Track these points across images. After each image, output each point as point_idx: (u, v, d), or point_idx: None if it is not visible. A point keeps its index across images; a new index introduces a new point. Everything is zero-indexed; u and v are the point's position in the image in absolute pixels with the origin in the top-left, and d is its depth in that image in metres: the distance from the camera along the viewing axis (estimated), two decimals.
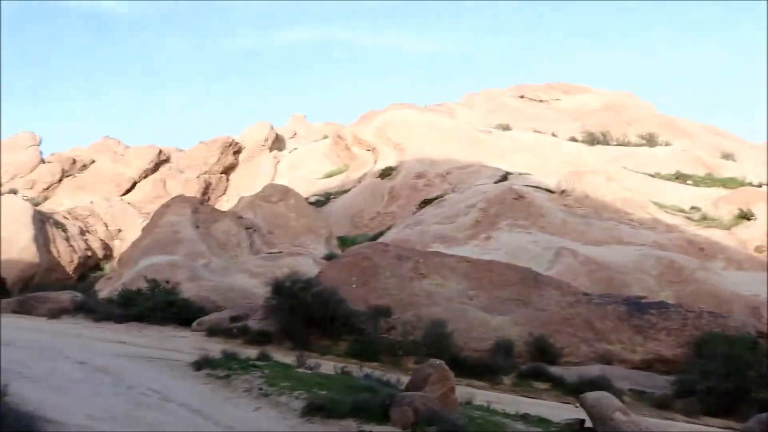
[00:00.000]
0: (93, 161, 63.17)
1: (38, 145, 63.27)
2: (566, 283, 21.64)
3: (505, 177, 45.18)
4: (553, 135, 60.14)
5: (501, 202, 35.77)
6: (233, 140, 64.61)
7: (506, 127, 62.09)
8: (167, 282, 22.32)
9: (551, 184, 40.57)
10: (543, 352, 17.87)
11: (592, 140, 59.01)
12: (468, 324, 18.24)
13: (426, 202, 43.01)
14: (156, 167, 61.02)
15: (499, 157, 50.88)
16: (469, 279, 20.57)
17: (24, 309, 21.03)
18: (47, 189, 58.78)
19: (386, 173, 50.45)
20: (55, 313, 20.12)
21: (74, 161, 62.59)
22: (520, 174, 46.05)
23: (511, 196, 36.32)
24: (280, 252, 32.37)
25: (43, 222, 40.14)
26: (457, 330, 17.24)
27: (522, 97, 79.99)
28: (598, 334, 18.90)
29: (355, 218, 46.50)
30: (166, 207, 34.56)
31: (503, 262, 23.39)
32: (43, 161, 61.77)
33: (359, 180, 52.68)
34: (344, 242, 38.02)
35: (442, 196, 42.76)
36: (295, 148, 70.51)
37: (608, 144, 58.76)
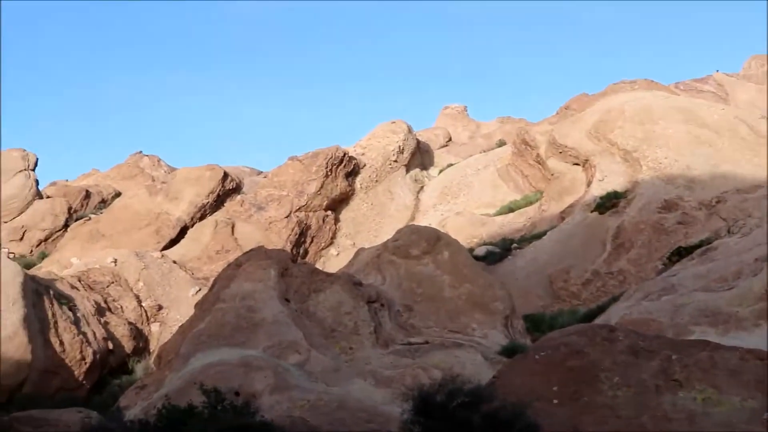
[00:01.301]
0: (117, 193, 66.40)
1: (32, 170, 66.75)
2: None
3: None
4: None
5: None
6: (346, 153, 66.01)
7: None
8: (237, 394, 22.43)
9: None
10: None
11: None
12: None
13: (681, 253, 41.76)
14: (219, 201, 63.02)
15: None
16: (765, 391, 19.44)
17: None
18: (46, 240, 62.07)
19: (609, 203, 50.20)
20: None
21: (87, 194, 66.00)
22: None
23: None
24: (427, 342, 32.31)
25: (39, 295, 41.54)
26: None
27: None
28: None
29: (555, 283, 46.64)
30: (235, 267, 35.01)
31: None
32: (39, 195, 65.17)
33: (561, 216, 52.83)
34: (537, 324, 37.79)
35: (710, 242, 41.63)
36: (450, 165, 71.40)
37: None
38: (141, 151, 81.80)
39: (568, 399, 19.09)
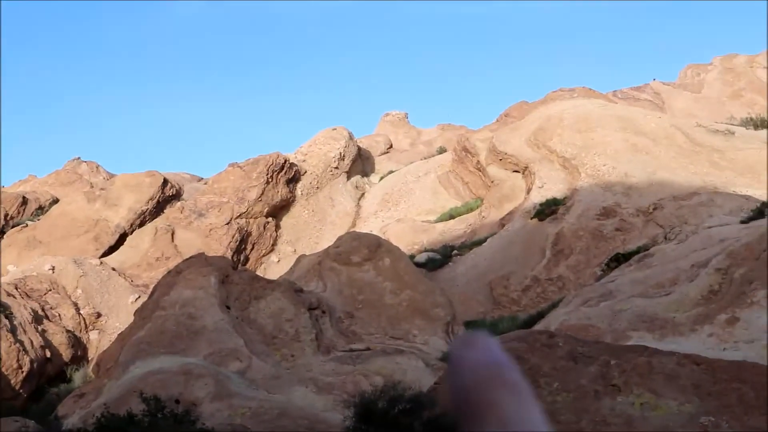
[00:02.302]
0: (55, 200, 65.81)
1: None
2: None
3: (761, 212, 43.81)
4: None
5: (756, 257, 34.26)
6: (286, 160, 66.07)
7: (761, 123, 60.89)
8: (177, 402, 22.39)
9: None
10: None
11: None
12: None
13: (619, 259, 42.21)
14: (159, 208, 63.08)
15: (750, 177, 50.28)
16: (701, 395, 19.62)
17: None
18: None
19: (549, 210, 50.15)
20: None
21: (24, 201, 65.37)
22: None
23: None
24: (368, 349, 32.54)
25: None
26: None
27: None
28: None
29: (495, 289, 46.43)
30: (175, 274, 35.06)
31: (763, 365, 21.92)
32: None
33: (501, 223, 52.69)
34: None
35: (647, 248, 41.74)
36: (391, 172, 71.73)
37: None
38: (79, 157, 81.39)
39: None
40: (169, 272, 36.88)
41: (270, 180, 63.76)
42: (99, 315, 49.88)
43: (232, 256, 56.49)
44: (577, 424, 18.72)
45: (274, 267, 59.46)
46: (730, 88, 79.10)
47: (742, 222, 42.64)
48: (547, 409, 18.82)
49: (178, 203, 63.70)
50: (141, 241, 59.39)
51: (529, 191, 53.96)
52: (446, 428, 17.26)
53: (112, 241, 59.60)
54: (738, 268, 33.79)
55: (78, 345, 46.91)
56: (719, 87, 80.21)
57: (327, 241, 51.57)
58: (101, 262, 55.56)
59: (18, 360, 41.38)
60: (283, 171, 65.15)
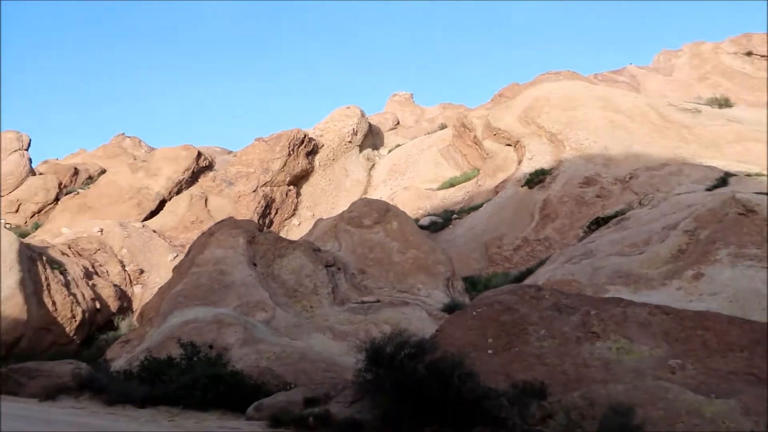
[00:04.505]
0: (103, 171, 65.77)
1: (26, 150, 66.09)
2: None
3: (723, 180, 44.01)
4: None
5: (718, 221, 34.17)
6: (306, 135, 65.86)
7: (724, 102, 60.99)
8: (211, 347, 22.34)
9: None
10: None
11: None
12: (669, 411, 16.96)
13: (599, 222, 42.00)
14: (194, 177, 62.96)
15: (714, 150, 49.94)
16: (669, 341, 19.38)
17: (7, 387, 21.23)
18: (39, 212, 61.43)
19: (537, 179, 50.08)
20: (51, 393, 20.27)
21: (76, 171, 65.36)
22: (748, 176, 44.77)
23: (734, 210, 34.44)
24: (378, 301, 32.43)
25: (33, 261, 41.33)
26: (652, 420, 16.21)
27: (750, 54, 78.06)
28: None
29: (490, 249, 46.25)
30: (208, 236, 34.98)
31: (724, 315, 21.59)
32: (32, 172, 64.50)
33: (495, 190, 52.57)
34: (474, 285, 37.49)
35: (623, 213, 41.47)
36: (398, 145, 71.64)
37: None
38: (123, 133, 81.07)
39: (501, 349, 18.93)
40: (202, 234, 36.82)
41: (291, 153, 63.67)
42: (142, 271, 50.04)
43: (258, 220, 56.61)
44: (561, 366, 18.47)
45: (295, 229, 59.63)
46: (698, 72, 78.45)
47: (707, 190, 42.60)
48: (534, 353, 18.84)
49: (211, 173, 63.70)
50: (178, 206, 59.43)
51: (520, 162, 53.71)
52: (446, 370, 16.82)
53: (152, 206, 59.68)
54: (703, 230, 34.07)
55: (124, 298, 46.93)
56: (688, 71, 79.56)
57: (342, 206, 51.06)
58: (143, 225, 55.73)
59: (72, 311, 41.56)
60: (303, 145, 65.00)
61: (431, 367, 17.00)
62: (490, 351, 18.89)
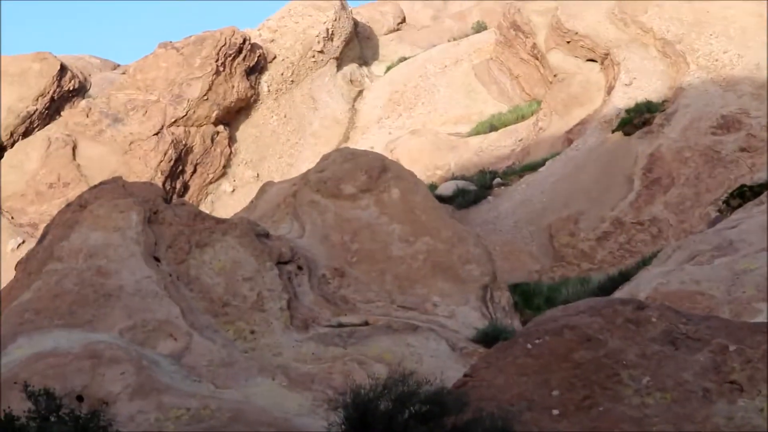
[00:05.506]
0: None
1: None
2: None
3: None
4: None
5: None
6: (246, 39, 50.16)
7: None
8: (80, 399, 18.27)
9: None
10: None
11: None
12: None
13: (744, 195, 34.35)
14: (54, 108, 48.61)
15: None
16: None
17: None
18: None
19: (639, 120, 40.80)
20: None
21: None
22: None
23: None
24: (366, 323, 25.56)
25: None
26: None
27: None
28: None
29: (558, 237, 38.73)
30: (78, 210, 26.87)
31: None
32: None
33: (568, 138, 43.46)
34: (530, 299, 31.02)
35: None
36: (404, 59, 58.14)
37: None
38: None
39: (576, 408, 15.38)
40: (68, 206, 28.25)
41: (221, 68, 48.89)
42: None
43: (164, 183, 45.06)
44: None
45: (227, 199, 48.87)
46: None
47: None
48: (632, 416, 15.15)
49: (83, 102, 48.85)
50: (26, 158, 46.54)
51: (610, 91, 44.40)
52: None
53: None
54: None
55: None
56: None
57: (306, 161, 43.26)
58: None
59: None
60: (242, 55, 50.18)
61: None
62: (555, 411, 15.45)
